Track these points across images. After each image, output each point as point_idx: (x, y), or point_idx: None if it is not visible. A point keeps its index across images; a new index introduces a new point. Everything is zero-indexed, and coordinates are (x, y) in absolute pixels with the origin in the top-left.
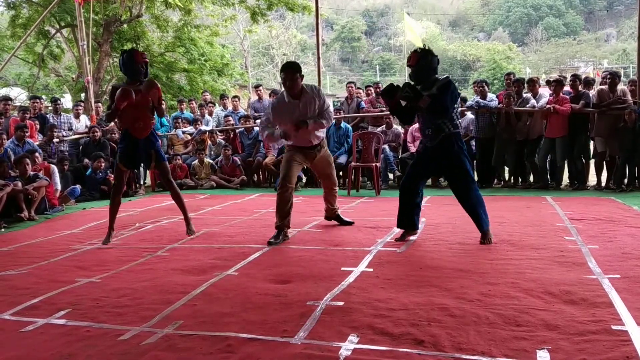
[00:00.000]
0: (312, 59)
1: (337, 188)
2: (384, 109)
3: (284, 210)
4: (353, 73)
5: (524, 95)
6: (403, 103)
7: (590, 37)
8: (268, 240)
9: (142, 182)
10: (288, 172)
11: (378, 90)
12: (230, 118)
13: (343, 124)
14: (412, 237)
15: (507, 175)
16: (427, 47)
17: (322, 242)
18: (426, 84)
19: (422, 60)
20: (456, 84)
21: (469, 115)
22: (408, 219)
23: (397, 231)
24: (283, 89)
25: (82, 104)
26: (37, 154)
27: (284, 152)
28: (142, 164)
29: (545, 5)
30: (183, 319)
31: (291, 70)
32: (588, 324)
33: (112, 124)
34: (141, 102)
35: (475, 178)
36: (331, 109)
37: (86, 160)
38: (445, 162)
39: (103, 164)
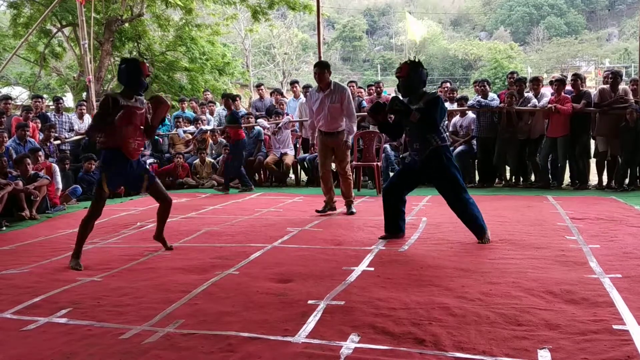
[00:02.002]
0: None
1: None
2: None
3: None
4: (354, 72)
5: (526, 94)
6: (391, 118)
7: (591, 37)
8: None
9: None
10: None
11: (379, 89)
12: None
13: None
14: (413, 236)
15: (508, 175)
16: (417, 60)
17: (323, 241)
18: (414, 96)
19: (412, 72)
20: (457, 84)
21: (470, 114)
22: (394, 224)
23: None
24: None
25: (85, 103)
26: (39, 153)
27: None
28: (131, 189)
29: (546, 4)
30: (184, 318)
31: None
32: (589, 324)
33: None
34: (140, 119)
35: (477, 178)
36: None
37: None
38: (435, 174)
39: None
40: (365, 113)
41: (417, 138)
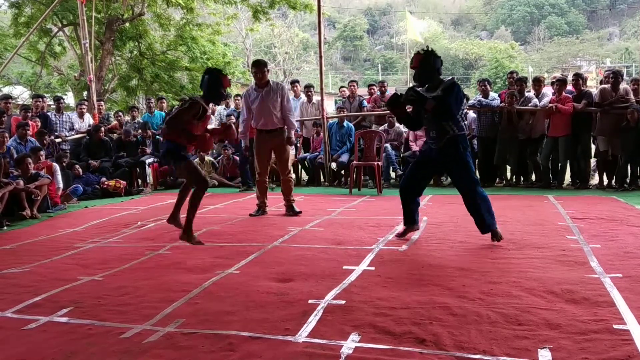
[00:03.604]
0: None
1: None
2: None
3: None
4: (355, 72)
5: (526, 94)
6: (409, 109)
7: (592, 36)
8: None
9: (147, 181)
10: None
11: (383, 89)
12: (232, 117)
13: (346, 123)
14: (414, 236)
15: (509, 175)
16: (429, 49)
17: (324, 240)
18: (430, 86)
19: (425, 61)
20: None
21: (471, 114)
22: (410, 215)
23: (399, 230)
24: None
25: (86, 102)
26: (40, 152)
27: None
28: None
29: (547, 4)
30: (185, 317)
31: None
32: (590, 323)
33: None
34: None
35: (478, 177)
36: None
37: (91, 162)
38: (450, 163)
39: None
40: (365, 113)
41: (433, 126)
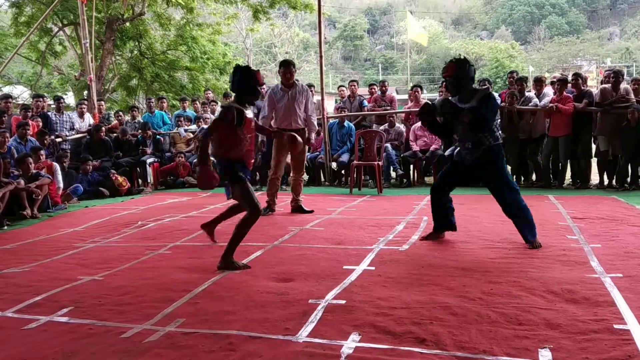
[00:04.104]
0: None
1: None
2: (387, 107)
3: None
4: (355, 71)
5: (527, 94)
6: (440, 119)
7: (593, 36)
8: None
9: (148, 180)
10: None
11: (384, 88)
12: None
13: (346, 123)
14: (414, 236)
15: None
16: (463, 57)
17: (324, 240)
18: (464, 95)
19: (460, 70)
20: None
21: None
22: (445, 219)
23: (399, 230)
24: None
25: (86, 102)
26: (41, 152)
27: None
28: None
29: (548, 3)
30: (185, 317)
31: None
32: (590, 323)
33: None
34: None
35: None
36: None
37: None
38: (487, 174)
39: (90, 167)
40: (366, 112)
41: (469, 138)
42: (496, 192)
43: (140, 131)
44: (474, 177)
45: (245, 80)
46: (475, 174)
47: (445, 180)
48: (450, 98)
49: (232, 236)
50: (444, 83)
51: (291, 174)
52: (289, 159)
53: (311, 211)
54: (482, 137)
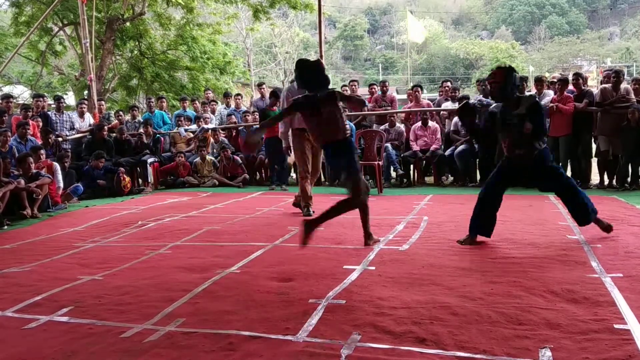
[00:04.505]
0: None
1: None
2: (388, 107)
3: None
4: (355, 71)
5: (527, 93)
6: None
7: (593, 36)
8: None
9: (148, 180)
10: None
11: (385, 88)
12: (233, 116)
13: (347, 123)
14: (414, 236)
15: None
16: (509, 65)
17: (324, 240)
18: (508, 102)
19: (509, 77)
20: (459, 83)
21: None
22: (490, 225)
23: (399, 229)
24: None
25: (86, 102)
26: (41, 151)
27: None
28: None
29: (548, 3)
30: (185, 316)
31: None
32: (590, 323)
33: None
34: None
35: (478, 177)
36: None
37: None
38: (541, 176)
39: (102, 164)
40: (366, 112)
41: (521, 145)
42: (557, 188)
43: (141, 130)
44: (524, 181)
45: (311, 75)
46: (525, 178)
47: (495, 189)
48: (492, 105)
49: (328, 209)
50: (490, 89)
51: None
52: (289, 159)
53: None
54: (536, 143)
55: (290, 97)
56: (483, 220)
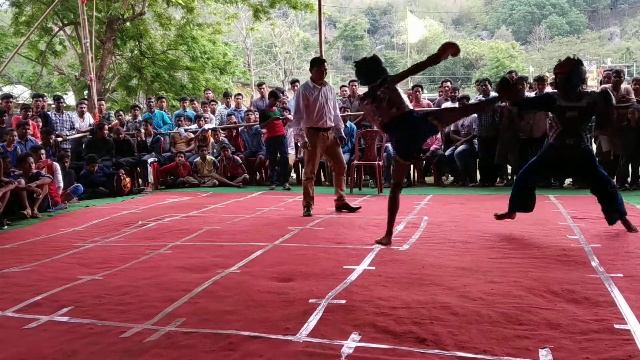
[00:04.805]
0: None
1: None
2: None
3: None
4: None
5: (527, 93)
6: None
7: (593, 36)
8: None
9: (149, 180)
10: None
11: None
12: (233, 116)
13: (348, 123)
14: (415, 235)
15: (510, 174)
16: (578, 58)
17: (325, 240)
18: (571, 94)
19: (576, 69)
20: (459, 83)
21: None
22: (527, 202)
23: (399, 229)
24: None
25: (86, 102)
26: (41, 151)
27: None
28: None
29: (548, 3)
30: (185, 316)
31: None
32: (590, 323)
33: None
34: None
35: (478, 177)
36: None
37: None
38: (583, 166)
39: (96, 167)
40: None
41: (572, 135)
42: (595, 180)
43: (140, 130)
44: (565, 171)
45: (369, 68)
46: (568, 168)
47: (536, 174)
48: (554, 95)
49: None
50: (555, 79)
51: (332, 170)
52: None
53: (358, 208)
54: (584, 136)
55: (307, 94)
56: (521, 199)
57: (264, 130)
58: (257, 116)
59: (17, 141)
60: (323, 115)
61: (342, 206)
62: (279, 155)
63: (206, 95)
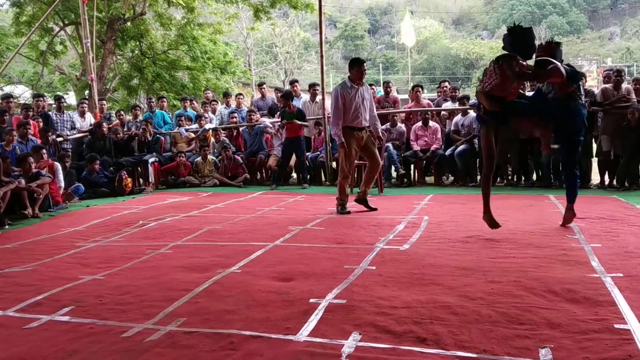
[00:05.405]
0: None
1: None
2: (391, 108)
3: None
4: None
5: (527, 93)
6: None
7: (594, 36)
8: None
9: (149, 180)
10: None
11: (389, 89)
12: (235, 115)
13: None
14: (415, 235)
15: (509, 174)
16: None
17: (325, 240)
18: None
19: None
20: (459, 83)
21: (472, 113)
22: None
23: (400, 229)
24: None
25: (86, 101)
26: (43, 151)
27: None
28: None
29: (549, 3)
30: (186, 316)
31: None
32: (590, 323)
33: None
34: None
35: (478, 177)
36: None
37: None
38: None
39: (97, 166)
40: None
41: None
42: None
43: (140, 130)
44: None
45: (522, 40)
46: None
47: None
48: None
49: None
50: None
51: (367, 167)
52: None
53: (375, 209)
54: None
55: (344, 94)
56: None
57: (282, 131)
58: (259, 116)
59: (19, 141)
60: (359, 115)
61: (361, 201)
62: (294, 156)
63: (205, 95)
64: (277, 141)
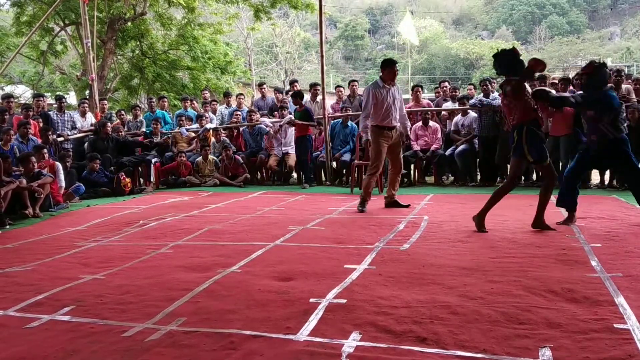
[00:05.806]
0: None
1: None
2: None
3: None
4: (356, 71)
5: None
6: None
7: (594, 36)
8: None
9: (150, 180)
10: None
11: None
12: (239, 114)
13: (350, 123)
14: (415, 235)
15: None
16: (602, 61)
17: (325, 239)
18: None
19: (599, 71)
20: (459, 83)
21: (472, 113)
22: (576, 202)
23: (400, 229)
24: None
25: (87, 101)
26: (44, 150)
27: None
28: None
29: (549, 3)
30: (186, 315)
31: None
32: (590, 322)
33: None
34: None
35: (478, 176)
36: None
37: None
38: (611, 159)
39: (98, 165)
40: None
41: (594, 131)
42: (624, 174)
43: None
44: (602, 166)
45: (511, 61)
46: (602, 163)
47: (579, 168)
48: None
49: (488, 199)
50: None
51: (390, 169)
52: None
53: (407, 205)
54: (607, 129)
55: (376, 94)
56: (572, 195)
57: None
58: (259, 116)
59: (19, 141)
60: (389, 114)
61: (391, 203)
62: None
63: (203, 95)
64: (275, 142)
